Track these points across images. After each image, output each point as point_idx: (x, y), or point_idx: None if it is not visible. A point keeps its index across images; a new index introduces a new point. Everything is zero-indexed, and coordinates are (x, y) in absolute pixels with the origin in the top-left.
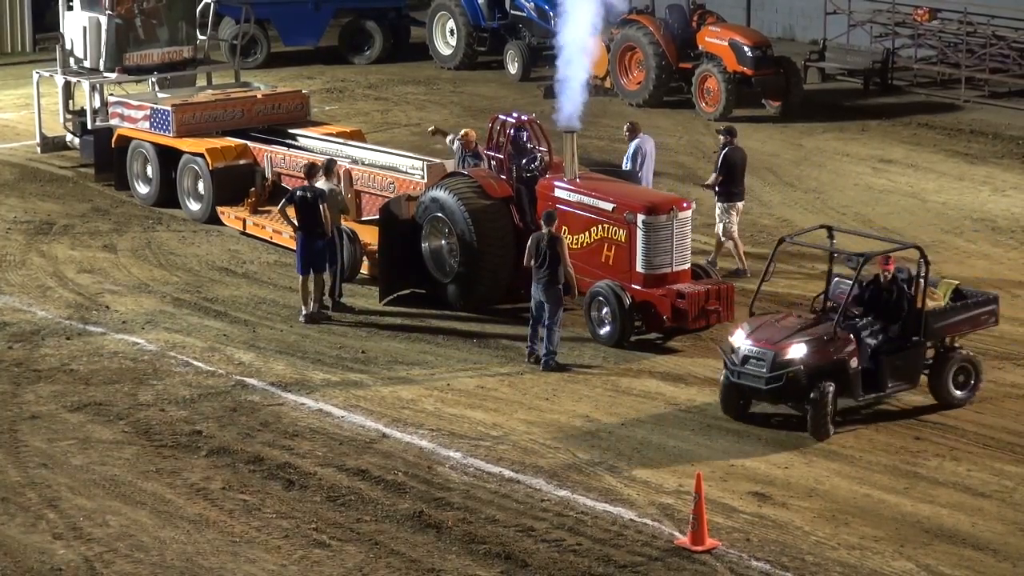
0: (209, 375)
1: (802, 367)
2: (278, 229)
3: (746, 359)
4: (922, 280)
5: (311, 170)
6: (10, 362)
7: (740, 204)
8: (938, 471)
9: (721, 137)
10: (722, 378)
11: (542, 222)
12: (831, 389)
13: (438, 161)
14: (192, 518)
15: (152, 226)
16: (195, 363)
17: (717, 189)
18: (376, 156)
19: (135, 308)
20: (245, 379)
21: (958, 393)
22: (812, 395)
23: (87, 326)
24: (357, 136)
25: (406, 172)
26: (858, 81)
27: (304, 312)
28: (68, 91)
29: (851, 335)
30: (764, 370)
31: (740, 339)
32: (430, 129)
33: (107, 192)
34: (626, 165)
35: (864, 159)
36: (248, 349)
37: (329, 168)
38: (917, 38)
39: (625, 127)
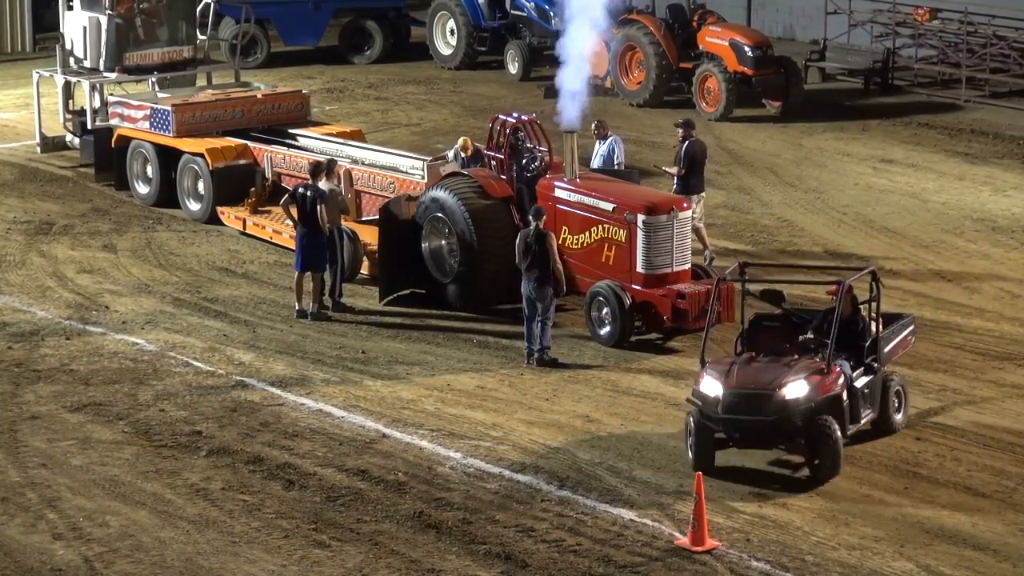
0: (209, 375)
1: (812, 404)
2: (278, 229)
3: (735, 405)
4: (874, 304)
5: (316, 169)
6: (10, 362)
7: (699, 196)
8: (938, 471)
9: (680, 130)
10: (694, 430)
11: (531, 217)
12: (835, 424)
13: (438, 161)
14: (192, 518)
15: (152, 226)
16: (195, 363)
17: (675, 181)
18: (376, 156)
19: (135, 308)
20: (245, 379)
21: (898, 417)
22: (821, 433)
23: (87, 326)
24: (357, 136)
25: (406, 172)
26: (859, 81)
27: (297, 308)
28: (68, 91)
29: (838, 368)
30: (762, 415)
31: (716, 387)
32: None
33: (107, 192)
34: (594, 164)
35: (865, 159)
36: (248, 349)
37: (330, 168)
38: (918, 38)
39: (593, 125)
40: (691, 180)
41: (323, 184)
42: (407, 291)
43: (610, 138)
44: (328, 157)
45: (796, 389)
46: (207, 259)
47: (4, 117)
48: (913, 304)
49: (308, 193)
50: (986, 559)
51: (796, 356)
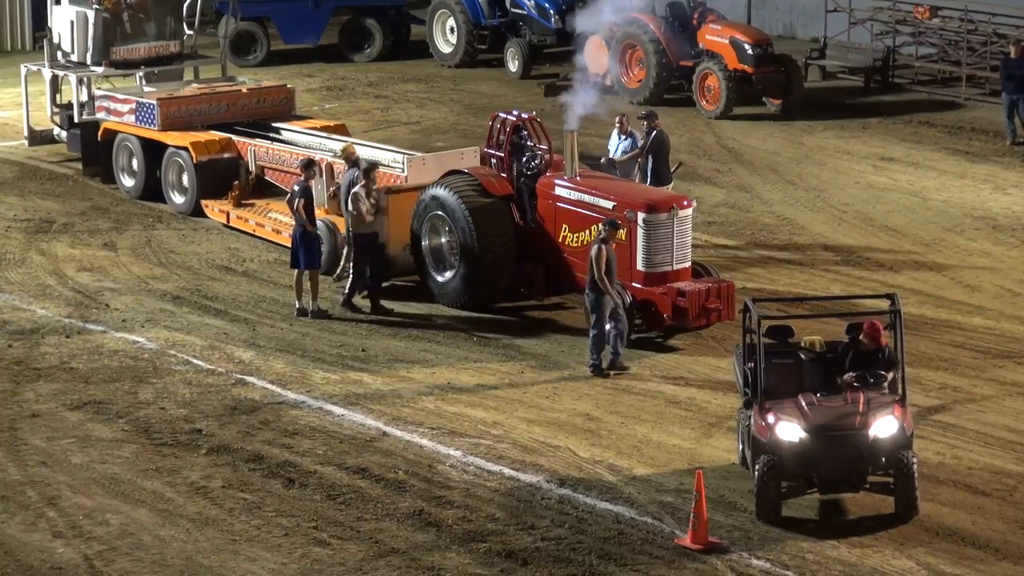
0: (209, 373)
1: (899, 439)
2: (261, 222)
3: (822, 448)
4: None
5: (308, 166)
6: (10, 360)
7: (670, 187)
8: (938, 469)
9: (644, 122)
10: (759, 478)
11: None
12: (915, 459)
13: (419, 155)
14: (192, 516)
15: (152, 224)
16: (195, 361)
17: (648, 173)
18: (358, 151)
19: (135, 306)
20: (245, 377)
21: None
22: (901, 471)
23: (87, 324)
24: (341, 130)
25: (387, 165)
26: (859, 79)
27: (297, 306)
28: (56, 85)
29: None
30: (854, 454)
31: (794, 430)
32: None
33: (107, 190)
34: (615, 156)
35: (865, 157)
36: (248, 347)
37: (369, 171)
38: (918, 36)
39: (617, 119)
40: (662, 169)
41: (360, 187)
42: (388, 283)
43: (632, 134)
44: (369, 160)
45: (888, 425)
46: (207, 257)
47: (3, 115)
48: (913, 302)
49: (299, 190)
50: (986, 557)
51: (859, 392)
